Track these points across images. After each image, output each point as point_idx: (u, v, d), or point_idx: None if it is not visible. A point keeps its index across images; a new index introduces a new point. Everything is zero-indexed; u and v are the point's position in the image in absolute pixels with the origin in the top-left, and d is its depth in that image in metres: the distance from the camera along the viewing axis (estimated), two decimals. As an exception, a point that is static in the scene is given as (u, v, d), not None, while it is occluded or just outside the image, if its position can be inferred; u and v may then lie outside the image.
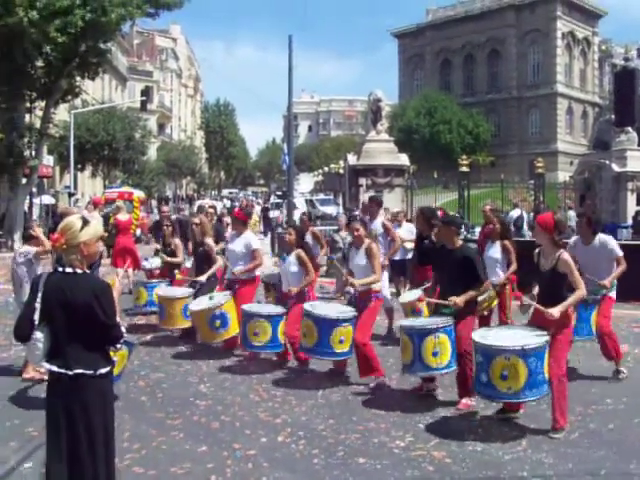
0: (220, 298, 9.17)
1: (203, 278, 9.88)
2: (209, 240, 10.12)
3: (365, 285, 7.70)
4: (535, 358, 5.87)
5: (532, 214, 21.40)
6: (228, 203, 51.22)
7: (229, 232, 10.12)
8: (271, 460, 5.59)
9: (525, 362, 5.84)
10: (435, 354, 6.62)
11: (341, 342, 7.56)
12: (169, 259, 11.13)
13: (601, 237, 8.03)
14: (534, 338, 6.00)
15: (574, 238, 8.40)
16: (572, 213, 21.84)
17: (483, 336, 6.28)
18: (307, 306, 7.92)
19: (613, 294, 7.99)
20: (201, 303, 9.23)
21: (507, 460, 5.54)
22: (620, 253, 7.90)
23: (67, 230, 3.95)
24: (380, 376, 7.70)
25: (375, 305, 7.89)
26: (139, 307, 11.20)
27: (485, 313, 8.54)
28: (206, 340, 9.38)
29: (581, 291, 6.14)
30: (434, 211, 9.51)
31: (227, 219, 15.53)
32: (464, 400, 6.82)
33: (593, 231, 7.98)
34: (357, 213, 13.64)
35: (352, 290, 8.26)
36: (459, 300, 6.68)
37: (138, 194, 32.96)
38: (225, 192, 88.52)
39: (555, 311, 5.97)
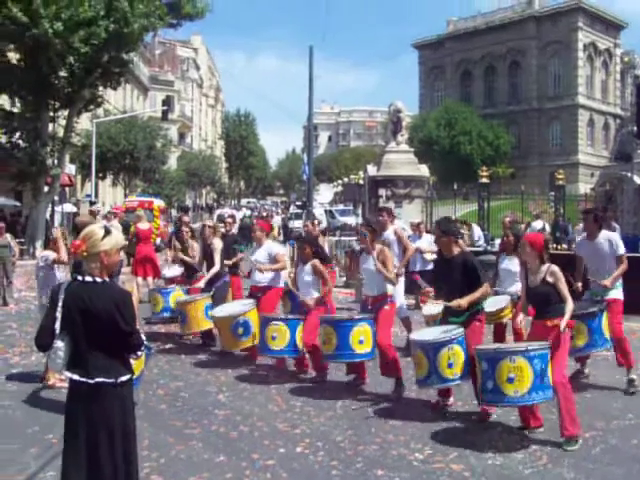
0: (244, 306, 9.25)
1: (201, 284, 10.40)
2: (216, 240, 10.48)
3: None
4: (539, 360, 5.92)
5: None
6: (248, 212, 51.40)
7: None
8: (290, 471, 5.58)
9: (530, 363, 5.89)
10: (450, 365, 6.62)
11: (361, 342, 7.59)
12: (184, 257, 11.37)
13: (606, 233, 8.11)
14: (536, 343, 6.09)
15: (580, 237, 8.45)
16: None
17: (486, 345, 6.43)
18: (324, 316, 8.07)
19: (620, 295, 7.95)
20: (224, 310, 9.35)
21: (527, 474, 5.49)
22: (622, 251, 7.92)
23: (89, 238, 3.98)
24: (399, 378, 7.79)
25: (390, 308, 7.99)
26: (158, 315, 11.20)
27: (504, 321, 8.54)
28: (228, 348, 9.36)
29: (570, 303, 6.27)
30: (448, 219, 9.51)
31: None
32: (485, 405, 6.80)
33: (599, 226, 8.05)
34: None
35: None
36: (463, 302, 6.73)
37: (158, 203, 33.14)
38: (244, 202, 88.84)
39: (562, 324, 6.11)
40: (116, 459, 3.88)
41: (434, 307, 9.13)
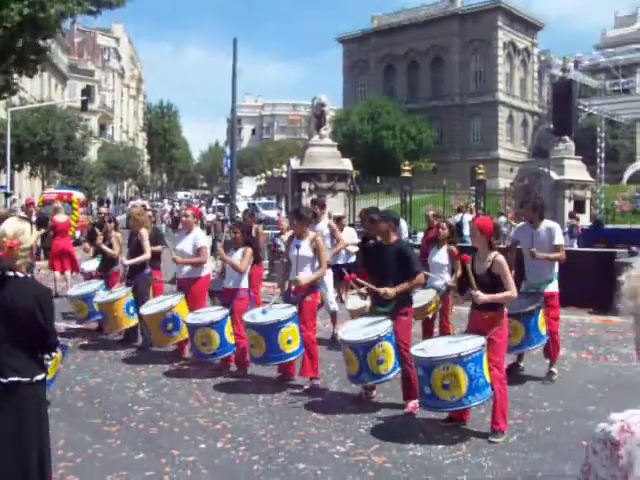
0: (172, 300, 9.01)
1: (127, 262, 9.99)
2: (143, 230, 10.00)
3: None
4: (473, 363, 5.88)
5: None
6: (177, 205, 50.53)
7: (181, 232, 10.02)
8: (210, 466, 5.50)
9: (464, 368, 5.85)
10: (380, 362, 6.62)
11: (289, 342, 7.51)
12: (107, 249, 10.82)
13: (548, 223, 8.11)
14: (470, 343, 6.02)
15: (521, 223, 8.46)
16: (503, 219, 22.32)
17: (421, 349, 6.28)
18: (247, 317, 7.80)
19: (556, 289, 8.00)
20: (151, 307, 9.09)
21: (447, 464, 5.56)
22: (561, 242, 7.96)
23: (21, 234, 3.86)
24: (315, 378, 7.75)
25: (313, 299, 7.88)
26: (81, 319, 10.75)
27: (429, 316, 8.58)
28: (159, 344, 9.17)
29: (512, 292, 6.15)
30: (376, 209, 9.51)
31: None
32: (411, 404, 6.81)
33: (540, 215, 8.02)
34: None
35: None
36: (390, 291, 6.69)
37: (78, 195, 32.31)
38: (181, 195, 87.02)
39: (483, 297, 6.00)
40: (29, 461, 3.75)
41: (358, 301, 9.11)
